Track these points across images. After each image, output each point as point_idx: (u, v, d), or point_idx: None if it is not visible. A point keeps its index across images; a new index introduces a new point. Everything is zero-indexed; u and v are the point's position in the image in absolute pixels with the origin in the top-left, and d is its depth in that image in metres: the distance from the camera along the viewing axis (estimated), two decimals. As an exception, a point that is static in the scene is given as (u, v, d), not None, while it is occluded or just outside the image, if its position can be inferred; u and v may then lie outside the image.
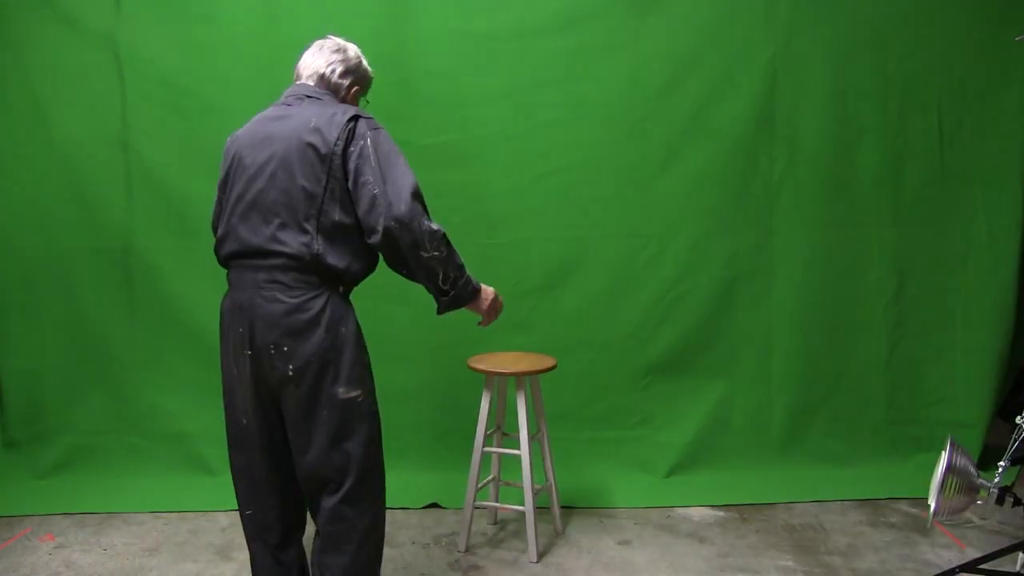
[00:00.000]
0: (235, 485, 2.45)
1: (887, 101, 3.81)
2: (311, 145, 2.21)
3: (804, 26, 3.77)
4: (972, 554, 2.99)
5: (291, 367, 2.22)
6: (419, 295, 3.89)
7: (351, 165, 2.22)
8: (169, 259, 3.81)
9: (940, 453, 2.59)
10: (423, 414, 3.84)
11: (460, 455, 3.40)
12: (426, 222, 2.27)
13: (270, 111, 2.38)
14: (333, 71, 2.43)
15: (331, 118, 2.24)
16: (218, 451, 3.81)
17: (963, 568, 2.70)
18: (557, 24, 3.74)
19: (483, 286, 2.49)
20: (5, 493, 3.69)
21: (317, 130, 2.22)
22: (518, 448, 3.09)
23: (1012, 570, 2.68)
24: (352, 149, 2.22)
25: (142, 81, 3.73)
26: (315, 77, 2.42)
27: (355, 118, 2.26)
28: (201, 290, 3.78)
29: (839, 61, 3.79)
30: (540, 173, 3.81)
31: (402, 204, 2.23)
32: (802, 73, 3.79)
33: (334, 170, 2.21)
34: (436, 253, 2.28)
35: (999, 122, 3.81)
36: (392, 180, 2.24)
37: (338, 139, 2.21)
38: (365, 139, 2.24)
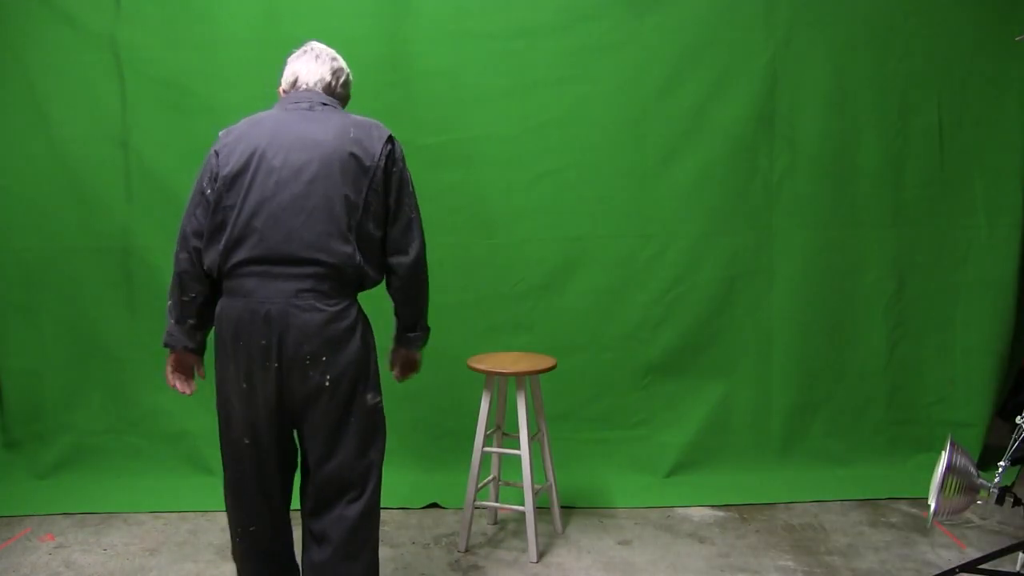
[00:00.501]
0: (234, 503, 2.37)
1: (887, 101, 3.81)
2: (353, 155, 2.23)
3: (804, 26, 3.77)
4: (972, 554, 2.99)
5: (328, 377, 2.20)
6: (419, 295, 3.91)
7: (393, 183, 2.29)
8: (169, 259, 3.73)
9: (940, 453, 2.59)
10: (423, 414, 3.84)
11: (460, 455, 3.40)
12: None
13: (289, 114, 2.31)
14: (337, 80, 2.44)
15: (368, 131, 2.28)
16: (218, 451, 3.83)
17: (963, 568, 2.70)
18: (557, 24, 3.74)
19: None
20: (5, 493, 3.69)
21: (358, 141, 2.25)
22: (518, 448, 3.09)
23: (1012, 570, 2.68)
24: (394, 169, 2.29)
25: (142, 81, 3.73)
26: (322, 84, 2.40)
27: (391, 138, 2.33)
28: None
29: (839, 61, 3.79)
30: (540, 173, 3.81)
31: (423, 241, 2.39)
32: (802, 73, 3.79)
33: (375, 183, 2.25)
34: (426, 292, 2.47)
35: (999, 122, 3.81)
36: (419, 215, 2.36)
37: (380, 154, 2.26)
38: (404, 163, 2.33)
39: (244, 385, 2.22)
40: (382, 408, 2.38)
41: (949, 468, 2.54)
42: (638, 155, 3.81)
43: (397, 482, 3.71)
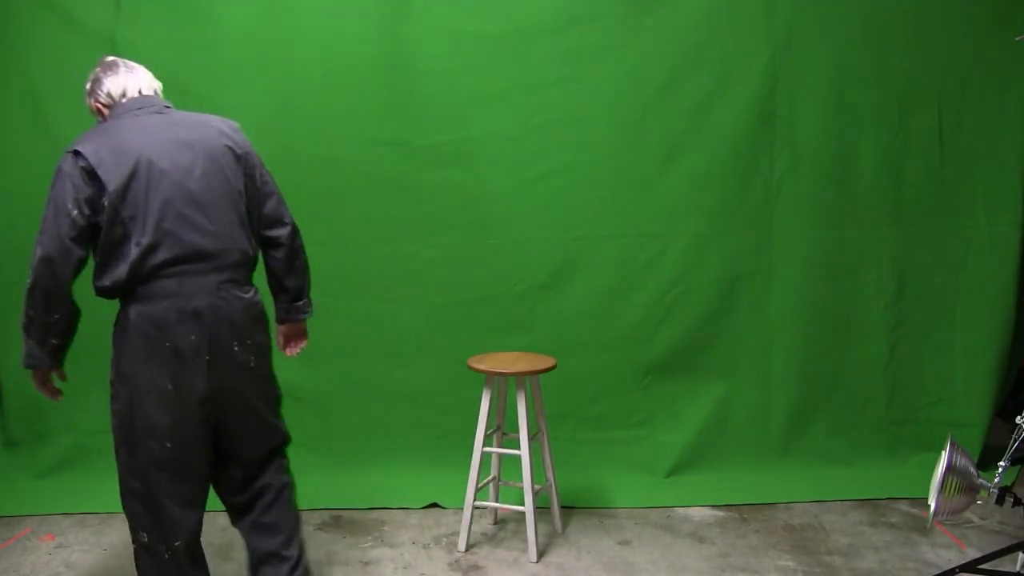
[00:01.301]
0: (154, 519, 2.34)
1: (887, 101, 3.81)
2: (228, 147, 2.38)
3: (804, 26, 3.77)
4: (972, 554, 2.99)
5: (252, 359, 2.37)
6: (419, 296, 3.93)
7: (257, 165, 2.45)
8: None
9: (940, 453, 2.59)
10: (423, 414, 3.84)
11: (460, 455, 3.40)
12: None
13: (147, 119, 2.35)
14: (159, 86, 2.53)
15: (225, 123, 2.44)
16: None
17: (963, 568, 2.70)
18: (557, 24, 3.74)
19: None
20: (5, 493, 3.69)
21: (225, 134, 2.40)
22: (518, 448, 3.09)
23: (1012, 570, 2.68)
24: (253, 152, 2.45)
25: (142, 81, 3.73)
26: (154, 89, 2.49)
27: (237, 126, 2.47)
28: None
29: (839, 61, 3.79)
30: (540, 173, 3.81)
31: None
32: (802, 73, 3.79)
33: (248, 169, 2.41)
34: (307, 259, 2.58)
35: (999, 122, 3.81)
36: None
37: (244, 141, 2.44)
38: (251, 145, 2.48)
39: (169, 387, 2.25)
40: None
41: (949, 468, 2.54)
42: (638, 155, 3.81)
43: (397, 482, 3.72)
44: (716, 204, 3.84)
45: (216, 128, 2.39)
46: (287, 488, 2.55)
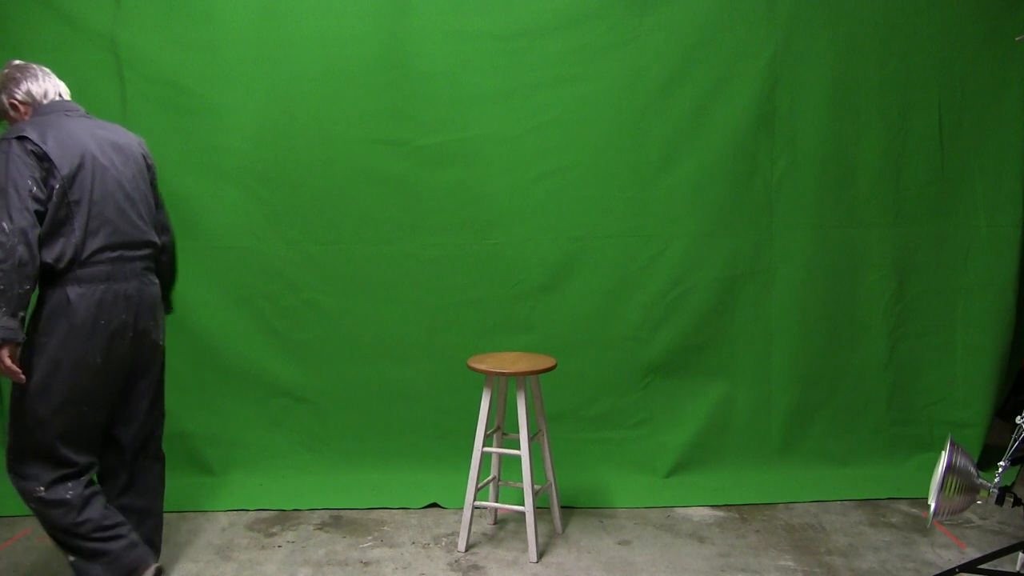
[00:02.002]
0: (56, 443, 2.56)
1: (887, 101, 3.82)
2: (143, 156, 2.76)
3: (804, 26, 3.77)
4: (972, 554, 3.00)
5: (162, 336, 2.79)
6: (419, 296, 3.93)
7: (155, 177, 2.83)
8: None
9: (940, 453, 2.59)
10: (423, 414, 3.85)
11: (460, 455, 3.40)
12: None
13: (81, 120, 2.63)
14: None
15: (133, 135, 2.77)
16: (218, 451, 3.84)
17: (963, 568, 2.70)
18: (557, 24, 3.74)
19: None
20: (5, 493, 3.68)
21: (140, 143, 2.78)
22: (518, 448, 3.09)
23: (1012, 570, 2.68)
24: (154, 165, 2.83)
25: (142, 81, 3.73)
26: (69, 95, 2.74)
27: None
28: (201, 290, 3.79)
29: (839, 61, 3.79)
30: (540, 173, 3.81)
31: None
32: (802, 73, 3.79)
33: (152, 179, 2.81)
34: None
35: (999, 122, 3.81)
36: None
37: (149, 154, 2.80)
38: None
39: (99, 360, 2.55)
40: None
41: (949, 468, 2.54)
42: (638, 155, 3.81)
43: (397, 482, 3.72)
44: (716, 204, 3.84)
45: (134, 138, 2.76)
46: (162, 469, 2.91)
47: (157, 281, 2.77)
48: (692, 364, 3.89)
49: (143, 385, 2.76)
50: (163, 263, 2.87)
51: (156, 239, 2.74)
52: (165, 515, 3.49)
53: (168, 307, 2.97)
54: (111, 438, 2.74)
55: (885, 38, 3.79)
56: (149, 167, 2.79)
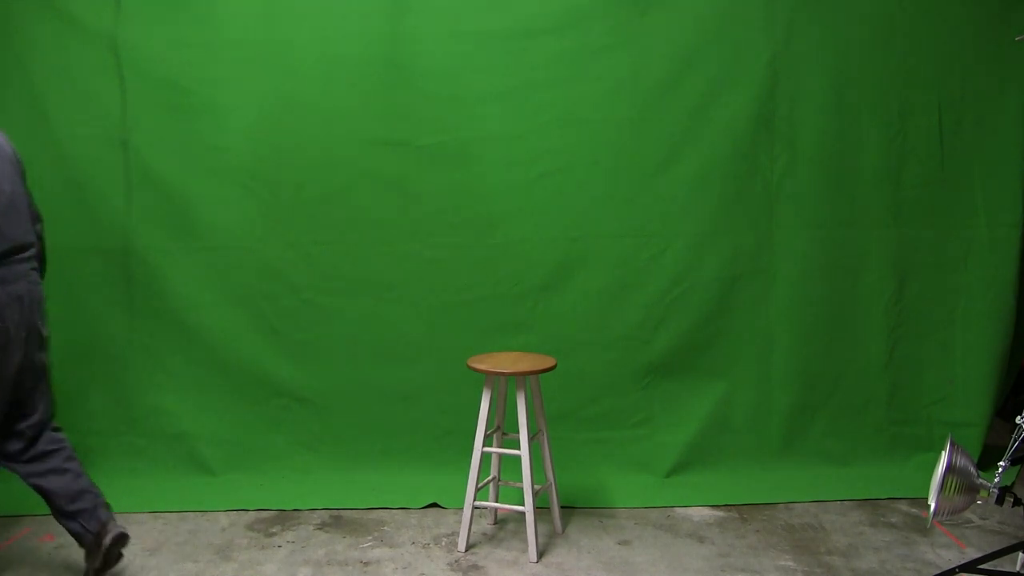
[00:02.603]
0: None
1: (887, 101, 3.82)
2: (18, 159, 2.82)
3: (804, 26, 3.77)
4: (972, 554, 2.99)
5: (47, 332, 2.87)
6: (419, 296, 3.93)
7: (25, 172, 2.86)
8: (169, 259, 3.81)
9: (940, 453, 2.59)
10: (423, 414, 3.84)
11: (460, 455, 3.40)
12: None
13: None
14: None
15: (2, 135, 2.80)
16: (218, 451, 3.84)
17: (963, 568, 2.70)
18: (557, 24, 3.74)
19: None
20: (5, 493, 3.68)
21: (8, 143, 2.80)
22: (518, 448, 3.09)
23: (1012, 570, 2.68)
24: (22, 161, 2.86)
25: (142, 81, 3.74)
26: None
27: None
28: (201, 290, 3.79)
29: (839, 61, 3.79)
30: (540, 173, 3.81)
31: None
32: (802, 73, 3.79)
33: (24, 177, 2.84)
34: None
35: (999, 122, 3.81)
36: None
37: (17, 152, 2.83)
38: None
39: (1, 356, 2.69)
40: None
41: (949, 468, 2.54)
42: (638, 155, 3.81)
43: (397, 482, 3.72)
44: (716, 204, 3.84)
45: (4, 137, 2.81)
46: (65, 441, 2.96)
47: (40, 280, 2.86)
48: (692, 364, 3.89)
49: (38, 385, 2.85)
50: (37, 256, 2.91)
51: (35, 239, 2.83)
52: (165, 515, 3.50)
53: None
54: (13, 432, 2.82)
55: (885, 38, 3.79)
56: (23, 170, 2.85)
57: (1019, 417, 2.64)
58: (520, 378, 3.09)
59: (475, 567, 3.05)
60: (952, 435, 2.68)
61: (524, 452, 3.05)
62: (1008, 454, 2.62)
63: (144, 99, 3.75)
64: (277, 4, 3.70)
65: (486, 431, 3.14)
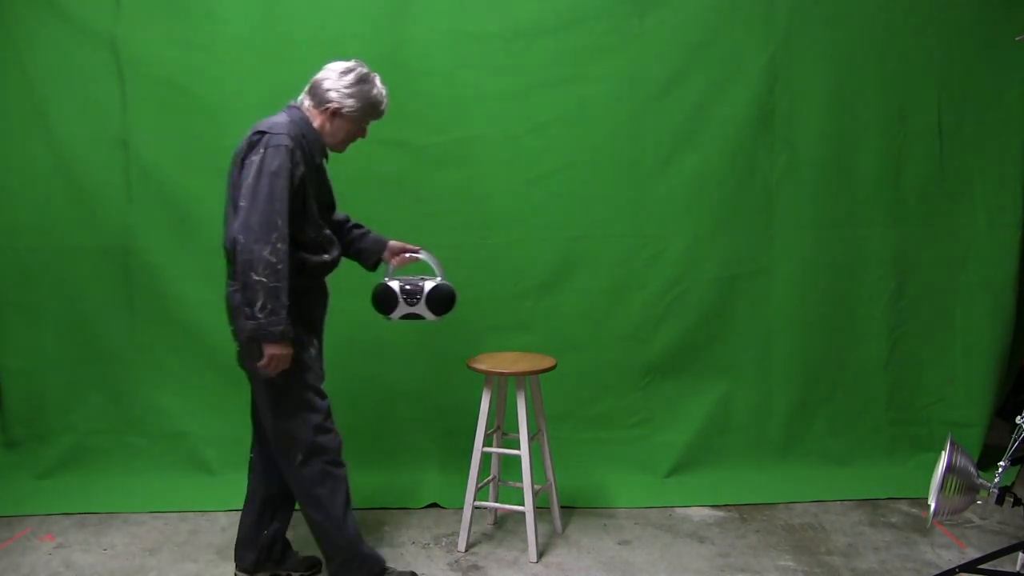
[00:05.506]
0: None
1: (887, 101, 3.81)
2: (236, 151, 2.62)
3: (804, 26, 3.77)
4: (972, 554, 2.99)
5: None
6: (419, 295, 3.91)
7: (242, 174, 2.53)
8: (169, 259, 3.81)
9: (940, 453, 2.59)
10: (423, 414, 3.84)
11: (460, 455, 3.40)
12: (263, 248, 2.46)
13: None
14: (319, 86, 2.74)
15: (252, 128, 2.58)
16: (218, 451, 3.84)
17: (963, 568, 2.70)
18: (557, 24, 3.74)
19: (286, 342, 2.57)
20: (5, 493, 3.69)
21: (244, 138, 2.60)
22: (518, 448, 3.09)
23: (1012, 570, 2.68)
24: (247, 160, 2.53)
25: (142, 81, 3.73)
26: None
27: (261, 133, 2.54)
28: (201, 290, 3.79)
29: (839, 61, 3.79)
30: (540, 173, 3.81)
31: (246, 226, 2.48)
32: (802, 73, 3.79)
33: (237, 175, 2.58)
34: (263, 279, 2.46)
35: (999, 122, 3.81)
36: (254, 200, 2.48)
37: (242, 148, 2.57)
38: (259, 154, 2.50)
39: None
40: None
41: (949, 468, 2.54)
42: (638, 155, 3.81)
43: (397, 482, 3.72)
44: (716, 204, 3.84)
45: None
46: None
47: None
48: (692, 364, 3.89)
49: None
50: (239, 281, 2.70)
51: None
52: (165, 515, 3.50)
53: None
54: None
55: (885, 38, 3.79)
56: (235, 163, 2.67)
57: (1019, 417, 2.64)
58: (520, 378, 3.09)
59: (475, 567, 3.05)
60: (952, 435, 2.68)
61: (524, 452, 3.06)
62: (1008, 454, 2.62)
63: (144, 99, 3.74)
64: (277, 4, 3.69)
65: (486, 431, 3.14)
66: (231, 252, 2.58)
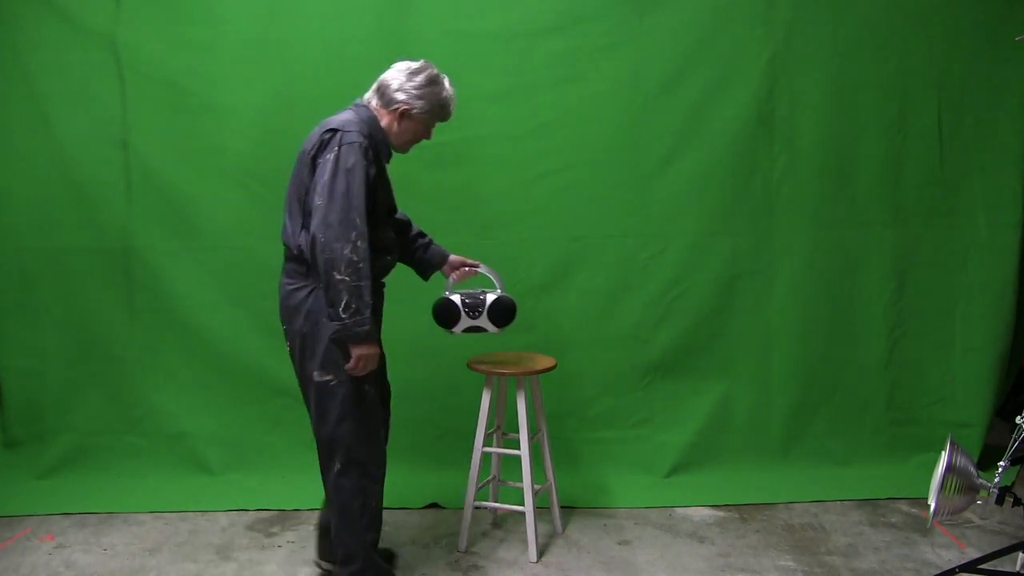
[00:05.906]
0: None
1: (887, 101, 3.81)
2: (305, 150, 2.55)
3: (804, 26, 3.77)
4: (972, 554, 2.99)
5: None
6: (419, 296, 3.92)
7: (316, 173, 2.47)
8: (169, 259, 3.81)
9: (940, 453, 2.59)
10: (423, 414, 3.84)
11: (460, 455, 3.40)
12: (344, 247, 2.41)
13: None
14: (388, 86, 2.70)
15: (321, 126, 2.53)
16: (218, 451, 3.84)
17: (963, 568, 2.70)
18: (557, 24, 3.74)
19: (372, 342, 2.56)
20: (5, 493, 3.69)
21: (312, 136, 2.55)
22: (518, 448, 3.09)
23: (1012, 570, 2.68)
24: (320, 159, 2.48)
25: (142, 81, 3.73)
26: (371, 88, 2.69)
27: (333, 131, 2.49)
28: (201, 290, 3.79)
29: (839, 61, 3.79)
30: (540, 173, 3.81)
31: (326, 224, 2.42)
32: (802, 73, 3.79)
33: (310, 172, 2.51)
34: (346, 278, 2.41)
35: (999, 122, 3.81)
36: (331, 197, 2.43)
37: (313, 146, 2.51)
38: (333, 152, 2.46)
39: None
40: None
41: (949, 468, 2.54)
42: (638, 155, 3.81)
43: (397, 482, 3.72)
44: (716, 204, 3.84)
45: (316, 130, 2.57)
46: None
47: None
48: (692, 364, 3.89)
49: None
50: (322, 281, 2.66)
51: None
52: (165, 515, 3.51)
53: None
54: None
55: (885, 38, 3.79)
56: (304, 160, 2.62)
57: (1019, 417, 2.64)
58: (520, 378, 3.09)
59: (475, 567, 3.05)
60: (952, 435, 2.68)
61: (524, 452, 3.06)
62: (1008, 454, 2.62)
63: (144, 99, 3.74)
64: (277, 4, 3.70)
65: (486, 431, 3.14)
66: (292, 248, 2.58)
